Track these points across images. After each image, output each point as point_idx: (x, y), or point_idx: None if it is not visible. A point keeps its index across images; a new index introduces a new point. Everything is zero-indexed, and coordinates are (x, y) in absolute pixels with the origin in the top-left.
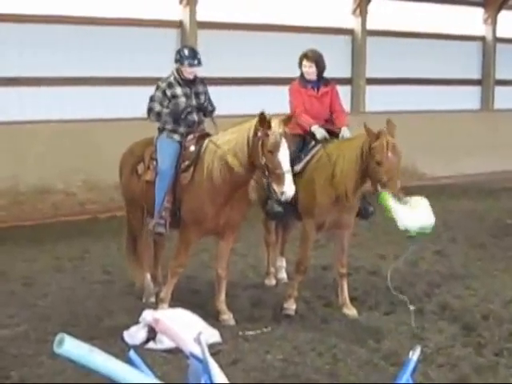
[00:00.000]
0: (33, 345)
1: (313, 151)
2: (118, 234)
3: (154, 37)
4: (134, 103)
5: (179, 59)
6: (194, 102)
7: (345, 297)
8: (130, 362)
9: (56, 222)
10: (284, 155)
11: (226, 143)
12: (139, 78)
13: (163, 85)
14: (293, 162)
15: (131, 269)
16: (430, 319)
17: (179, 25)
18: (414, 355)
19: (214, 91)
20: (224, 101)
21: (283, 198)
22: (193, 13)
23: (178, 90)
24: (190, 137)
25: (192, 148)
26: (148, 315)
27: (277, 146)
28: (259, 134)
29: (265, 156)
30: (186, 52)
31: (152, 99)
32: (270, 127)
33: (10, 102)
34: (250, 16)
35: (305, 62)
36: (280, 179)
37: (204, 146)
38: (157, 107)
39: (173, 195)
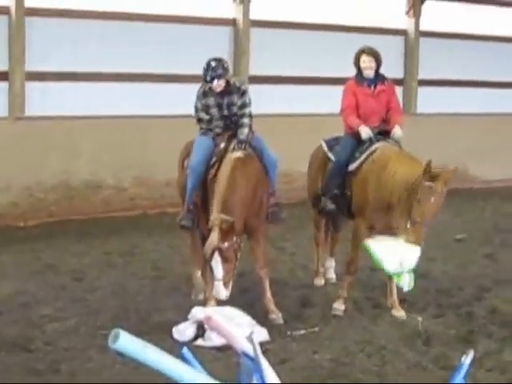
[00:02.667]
0: (82, 339)
1: (368, 151)
2: (168, 230)
3: (207, 34)
4: (187, 101)
5: (204, 73)
6: (225, 112)
7: (394, 299)
8: (182, 358)
9: (106, 217)
10: (216, 264)
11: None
12: (192, 76)
13: (199, 93)
14: (347, 162)
15: (190, 264)
16: (479, 323)
17: (233, 23)
18: (467, 359)
19: (266, 89)
20: (275, 99)
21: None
22: (246, 11)
23: (211, 101)
24: (223, 135)
25: (222, 145)
26: (198, 312)
27: (207, 256)
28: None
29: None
30: (205, 66)
31: (196, 109)
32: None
33: (64, 96)
34: (304, 15)
35: (364, 58)
36: (213, 283)
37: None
38: (204, 116)
39: (202, 191)
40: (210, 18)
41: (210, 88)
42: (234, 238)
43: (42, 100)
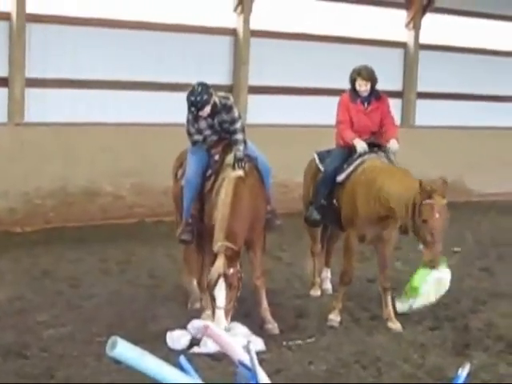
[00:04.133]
0: (78, 346)
1: (356, 162)
2: (165, 239)
3: (208, 44)
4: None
5: (191, 105)
6: (218, 130)
7: (389, 311)
8: (179, 366)
9: (103, 225)
10: (220, 292)
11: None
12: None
13: (190, 117)
14: (335, 173)
15: (182, 273)
16: (475, 336)
17: (233, 32)
18: (464, 372)
19: (265, 100)
20: (274, 110)
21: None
22: (246, 21)
23: (202, 124)
24: (217, 145)
25: (216, 157)
26: (196, 323)
27: (212, 284)
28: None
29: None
30: (190, 95)
31: (190, 133)
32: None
33: (62, 103)
34: (304, 26)
35: (360, 82)
36: (213, 311)
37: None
38: (199, 138)
39: (199, 203)
40: (211, 27)
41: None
42: (238, 266)
43: (42, 106)
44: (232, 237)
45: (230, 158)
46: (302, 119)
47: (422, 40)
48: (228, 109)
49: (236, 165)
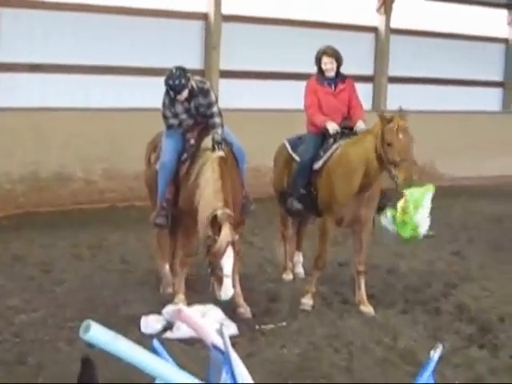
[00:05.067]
0: (50, 330)
1: (331, 149)
2: (136, 224)
3: (179, 28)
4: (157, 94)
5: (169, 89)
6: (194, 114)
7: (362, 294)
8: (153, 350)
9: (75, 210)
10: (228, 260)
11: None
12: (163, 69)
13: (167, 101)
14: (312, 161)
15: (156, 258)
16: (446, 320)
17: (204, 17)
18: (436, 354)
19: (236, 84)
20: (245, 94)
21: (221, 299)
22: (218, 6)
23: (179, 108)
24: (192, 129)
25: (192, 141)
26: (171, 308)
27: (221, 252)
28: (208, 240)
29: (210, 256)
30: (168, 79)
31: (166, 117)
32: (218, 232)
33: (33, 88)
34: (275, 10)
35: (325, 59)
36: (219, 281)
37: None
38: (174, 121)
39: (174, 187)
40: (182, 11)
41: (171, 97)
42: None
43: (12, 91)
44: (228, 206)
45: (206, 143)
46: (273, 103)
47: (393, 24)
48: (205, 93)
49: (216, 147)
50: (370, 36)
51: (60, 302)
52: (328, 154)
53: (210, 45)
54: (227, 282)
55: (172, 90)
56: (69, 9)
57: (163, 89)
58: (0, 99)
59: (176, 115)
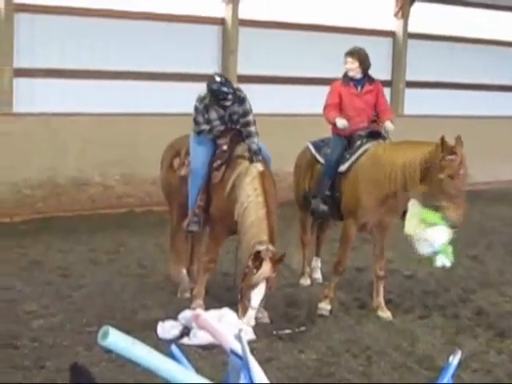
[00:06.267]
0: (68, 335)
1: (358, 152)
2: (154, 228)
3: (196, 33)
4: (175, 99)
5: (214, 94)
6: (227, 122)
7: (380, 299)
8: (171, 356)
9: (93, 215)
10: (258, 293)
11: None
12: (180, 74)
13: (201, 107)
14: (338, 163)
15: (169, 263)
16: (465, 325)
17: (221, 22)
18: (455, 359)
19: (253, 89)
20: (264, 99)
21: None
22: (235, 10)
23: (213, 115)
24: (224, 136)
25: (225, 147)
26: (188, 314)
27: (254, 285)
28: (247, 269)
29: (243, 284)
30: (218, 86)
31: (198, 123)
32: (259, 266)
33: (50, 93)
34: (292, 15)
35: (348, 59)
36: (244, 310)
37: (240, 150)
38: (206, 127)
39: (206, 193)
40: (200, 16)
41: (211, 102)
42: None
43: (30, 97)
44: (272, 237)
45: (240, 150)
46: (290, 108)
47: (411, 29)
48: (241, 101)
49: (253, 158)
50: (388, 40)
51: (78, 307)
52: (354, 157)
53: (228, 49)
54: (251, 314)
55: (218, 95)
56: (86, 14)
57: (181, 94)
58: (17, 104)
59: (209, 121)
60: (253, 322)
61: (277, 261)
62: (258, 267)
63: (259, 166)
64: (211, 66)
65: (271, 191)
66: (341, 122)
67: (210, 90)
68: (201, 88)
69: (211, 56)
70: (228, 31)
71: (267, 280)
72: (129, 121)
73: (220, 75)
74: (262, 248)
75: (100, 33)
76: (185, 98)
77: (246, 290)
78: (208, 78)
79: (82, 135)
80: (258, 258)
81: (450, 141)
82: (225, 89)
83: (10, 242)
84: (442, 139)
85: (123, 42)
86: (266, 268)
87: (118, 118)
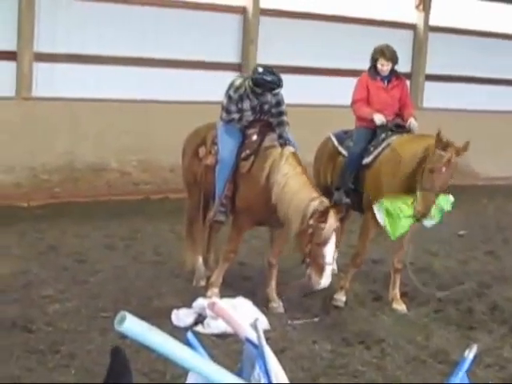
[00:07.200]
0: (83, 321)
1: (383, 144)
2: (170, 216)
3: (217, 22)
4: (194, 87)
5: (260, 85)
6: (258, 112)
7: (396, 292)
8: (187, 343)
9: (109, 201)
10: (331, 248)
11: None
12: (201, 62)
13: (235, 96)
14: (362, 155)
15: (184, 251)
16: (479, 319)
17: (243, 11)
18: (470, 354)
19: None
20: (283, 89)
21: (318, 288)
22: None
23: (246, 105)
24: (253, 126)
25: (254, 137)
26: (202, 302)
27: (326, 240)
28: (312, 222)
29: (311, 246)
30: (263, 82)
31: (228, 111)
32: (325, 220)
33: (71, 78)
34: (313, 6)
35: (382, 61)
36: (320, 270)
37: (269, 140)
38: (236, 116)
39: (233, 183)
40: (221, 5)
41: (246, 91)
42: None
43: (50, 81)
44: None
45: (269, 140)
46: (310, 99)
47: (432, 22)
48: (275, 93)
49: (286, 143)
50: (409, 33)
51: (93, 293)
52: (379, 149)
53: (248, 39)
54: (328, 270)
55: (274, 84)
56: (108, 0)
57: (199, 81)
58: (38, 89)
59: (240, 111)
60: (329, 280)
61: (338, 210)
62: (325, 221)
63: (291, 149)
64: (231, 55)
65: (304, 170)
66: (378, 118)
67: (260, 80)
68: (221, 76)
69: (231, 45)
70: (249, 20)
71: (336, 231)
72: (148, 108)
73: (263, 66)
74: (317, 203)
75: (121, 19)
76: (204, 86)
77: (317, 249)
78: (252, 70)
79: (101, 121)
80: (323, 214)
81: (466, 138)
82: (279, 77)
83: (26, 226)
84: (438, 134)
85: (145, 29)
86: (332, 220)
87: (138, 104)
